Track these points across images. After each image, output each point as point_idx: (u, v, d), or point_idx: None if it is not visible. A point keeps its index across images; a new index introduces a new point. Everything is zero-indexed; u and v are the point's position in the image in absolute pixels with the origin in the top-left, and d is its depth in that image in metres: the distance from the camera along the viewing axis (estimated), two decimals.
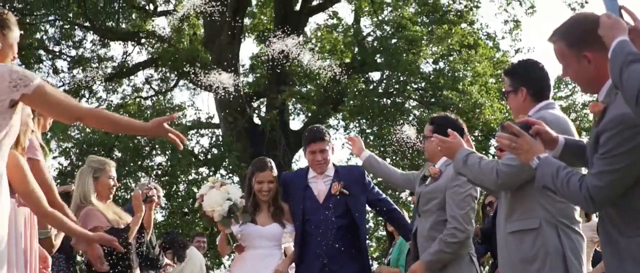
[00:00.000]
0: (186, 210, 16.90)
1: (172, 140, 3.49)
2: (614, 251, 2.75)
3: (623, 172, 2.62)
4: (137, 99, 20.11)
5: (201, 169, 17.83)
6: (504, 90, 3.92)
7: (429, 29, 17.16)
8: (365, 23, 19.13)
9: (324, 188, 5.12)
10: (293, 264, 5.18)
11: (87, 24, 18.30)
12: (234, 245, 4.98)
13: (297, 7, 17.57)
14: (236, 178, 16.55)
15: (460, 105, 15.17)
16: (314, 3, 18.21)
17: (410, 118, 16.70)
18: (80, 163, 14.32)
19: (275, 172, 5.18)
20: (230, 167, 15.40)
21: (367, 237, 4.99)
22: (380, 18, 18.19)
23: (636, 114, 2.42)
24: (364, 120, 17.07)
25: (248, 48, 28.89)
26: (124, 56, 19.63)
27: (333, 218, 5.01)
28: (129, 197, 5.94)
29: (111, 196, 5.32)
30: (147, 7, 19.53)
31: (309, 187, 5.16)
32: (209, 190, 4.96)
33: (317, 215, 5.03)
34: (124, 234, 4.89)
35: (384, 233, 12.94)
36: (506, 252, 3.64)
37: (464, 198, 4.48)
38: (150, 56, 19.44)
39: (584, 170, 2.95)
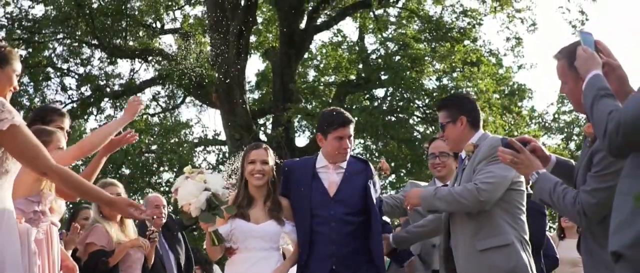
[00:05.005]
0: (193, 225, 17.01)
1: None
2: (593, 262, 2.95)
3: (614, 190, 2.74)
4: (144, 116, 20.34)
5: None
6: (440, 122, 4.03)
7: (433, 46, 17.33)
8: (370, 40, 19.37)
9: (336, 179, 4.35)
10: (292, 268, 4.39)
11: (94, 41, 18.57)
12: (219, 245, 4.18)
13: (303, 25, 17.78)
14: None
15: None
16: (319, 21, 18.43)
17: (415, 134, 16.84)
18: None
19: (271, 155, 4.39)
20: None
21: None
22: (384, 36, 18.38)
23: (603, 145, 2.57)
24: (369, 137, 17.20)
25: (254, 65, 29.06)
26: (131, 73, 19.92)
27: (346, 215, 4.27)
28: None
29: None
30: (154, 25, 19.81)
31: (317, 177, 4.37)
32: (184, 182, 4.11)
33: (327, 211, 4.28)
34: (105, 258, 5.27)
35: None
36: (476, 270, 3.79)
37: None
38: (157, 73, 19.68)
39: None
